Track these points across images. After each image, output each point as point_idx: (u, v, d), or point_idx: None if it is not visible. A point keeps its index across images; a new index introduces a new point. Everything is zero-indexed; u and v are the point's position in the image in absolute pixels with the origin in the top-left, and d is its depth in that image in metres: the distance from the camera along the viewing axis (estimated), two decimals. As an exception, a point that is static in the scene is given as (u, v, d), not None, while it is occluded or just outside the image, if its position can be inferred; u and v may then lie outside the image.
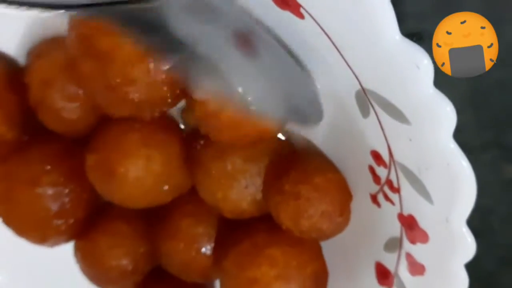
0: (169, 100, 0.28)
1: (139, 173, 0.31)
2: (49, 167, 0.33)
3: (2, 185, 0.33)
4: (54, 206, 0.33)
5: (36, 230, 0.34)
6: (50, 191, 0.33)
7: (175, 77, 0.27)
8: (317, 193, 0.27)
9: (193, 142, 0.31)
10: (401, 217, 0.25)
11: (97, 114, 0.32)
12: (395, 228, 0.26)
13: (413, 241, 0.25)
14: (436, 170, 0.22)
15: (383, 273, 0.27)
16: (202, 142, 0.31)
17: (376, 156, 0.25)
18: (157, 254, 0.35)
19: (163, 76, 0.27)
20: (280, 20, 0.24)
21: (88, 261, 0.36)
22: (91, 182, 0.32)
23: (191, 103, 0.29)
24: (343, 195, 0.28)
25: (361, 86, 0.23)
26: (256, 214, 0.30)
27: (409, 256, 0.25)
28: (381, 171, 0.25)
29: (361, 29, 0.20)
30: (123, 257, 0.35)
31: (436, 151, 0.21)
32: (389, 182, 0.25)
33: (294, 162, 0.29)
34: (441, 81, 0.20)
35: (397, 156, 0.24)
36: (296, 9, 0.22)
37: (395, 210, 0.25)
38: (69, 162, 0.34)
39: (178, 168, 0.32)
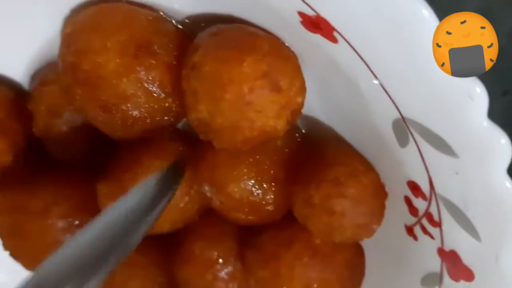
0: (174, 108, 0.26)
1: None
2: (59, 197, 0.31)
3: (9, 218, 0.31)
4: (65, 238, 0.31)
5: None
6: (61, 223, 0.31)
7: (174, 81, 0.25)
8: (353, 205, 0.25)
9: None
10: (441, 252, 0.23)
11: (106, 142, 0.30)
12: (435, 263, 0.24)
13: (455, 278, 0.23)
14: (486, 206, 0.20)
15: (420, 309, 0.26)
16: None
17: (414, 187, 0.23)
18: (174, 283, 0.33)
19: (157, 83, 0.25)
20: (309, 43, 0.23)
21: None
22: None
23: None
24: (379, 198, 0.25)
25: (400, 115, 0.21)
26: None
27: (450, 293, 0.24)
28: (420, 203, 0.24)
29: (406, 56, 0.19)
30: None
31: (488, 187, 0.19)
32: (428, 215, 0.23)
33: (319, 163, 0.26)
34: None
35: (439, 189, 0.22)
36: (329, 33, 0.21)
37: (435, 244, 0.24)
38: (79, 191, 0.32)
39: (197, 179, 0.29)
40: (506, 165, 0.19)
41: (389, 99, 0.21)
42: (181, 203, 0.29)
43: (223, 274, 0.30)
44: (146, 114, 0.25)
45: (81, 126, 0.29)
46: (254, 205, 0.27)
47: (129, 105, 0.25)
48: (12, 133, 0.30)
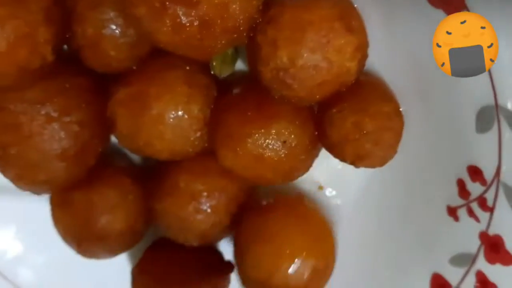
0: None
1: (177, 111, 0.27)
2: (82, 103, 0.29)
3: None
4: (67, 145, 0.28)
5: (42, 173, 0.29)
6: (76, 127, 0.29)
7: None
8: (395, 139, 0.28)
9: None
10: (483, 235, 0.25)
11: (144, 51, 0.28)
12: (472, 245, 0.26)
13: (491, 261, 0.25)
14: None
15: (440, 285, 0.27)
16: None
17: (475, 171, 0.25)
18: (152, 214, 0.32)
19: None
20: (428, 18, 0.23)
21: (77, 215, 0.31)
22: (112, 120, 0.28)
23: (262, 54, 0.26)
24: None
25: (495, 101, 0.23)
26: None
27: (480, 274, 0.26)
28: (475, 187, 0.25)
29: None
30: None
31: None
32: (481, 200, 0.25)
33: (374, 96, 0.28)
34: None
35: (505, 177, 0.24)
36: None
37: (478, 227, 0.26)
38: (97, 102, 0.29)
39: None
40: None
41: (490, 85, 0.23)
42: (191, 137, 0.29)
43: (205, 207, 0.30)
44: (243, 18, 0.24)
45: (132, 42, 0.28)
46: None
47: (227, 15, 0.24)
48: (56, 24, 0.27)
